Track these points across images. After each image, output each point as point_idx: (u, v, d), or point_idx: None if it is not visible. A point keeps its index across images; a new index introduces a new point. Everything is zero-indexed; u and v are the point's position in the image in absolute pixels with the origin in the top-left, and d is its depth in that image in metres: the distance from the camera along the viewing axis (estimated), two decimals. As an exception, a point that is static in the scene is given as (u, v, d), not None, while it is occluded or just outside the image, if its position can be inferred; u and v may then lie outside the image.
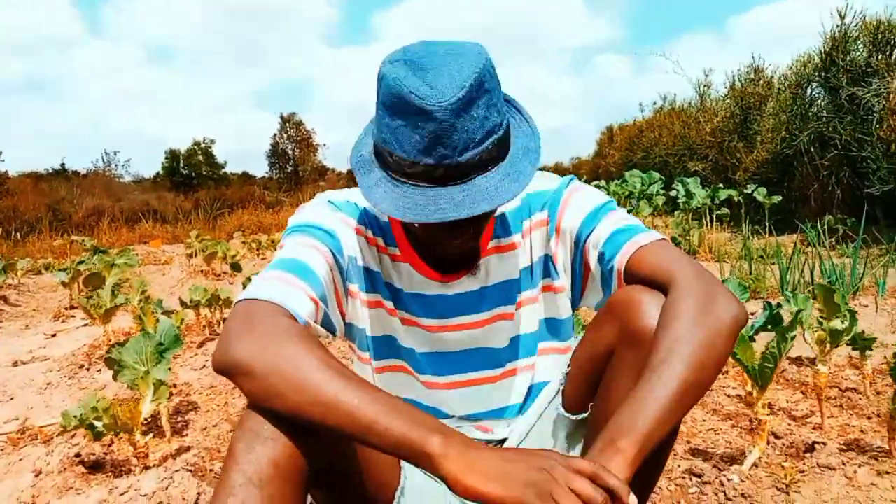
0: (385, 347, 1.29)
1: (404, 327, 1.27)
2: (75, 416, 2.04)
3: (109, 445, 2.39)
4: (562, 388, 1.20)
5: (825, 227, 6.29)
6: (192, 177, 32.05)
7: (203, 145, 33.33)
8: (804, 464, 1.85)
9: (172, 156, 32.76)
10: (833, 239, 6.03)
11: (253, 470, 0.86)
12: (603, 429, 0.91)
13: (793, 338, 1.71)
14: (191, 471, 1.98)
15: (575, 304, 1.29)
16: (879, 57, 6.94)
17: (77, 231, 14.70)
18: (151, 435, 2.27)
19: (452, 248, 1.13)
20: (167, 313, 3.58)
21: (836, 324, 2.06)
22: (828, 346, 2.12)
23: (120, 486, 1.90)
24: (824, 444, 1.93)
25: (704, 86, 12.20)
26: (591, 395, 1.15)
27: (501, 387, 1.29)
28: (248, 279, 4.13)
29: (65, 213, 18.36)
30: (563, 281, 1.25)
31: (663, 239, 1.13)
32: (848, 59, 7.21)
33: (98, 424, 2.06)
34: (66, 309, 6.08)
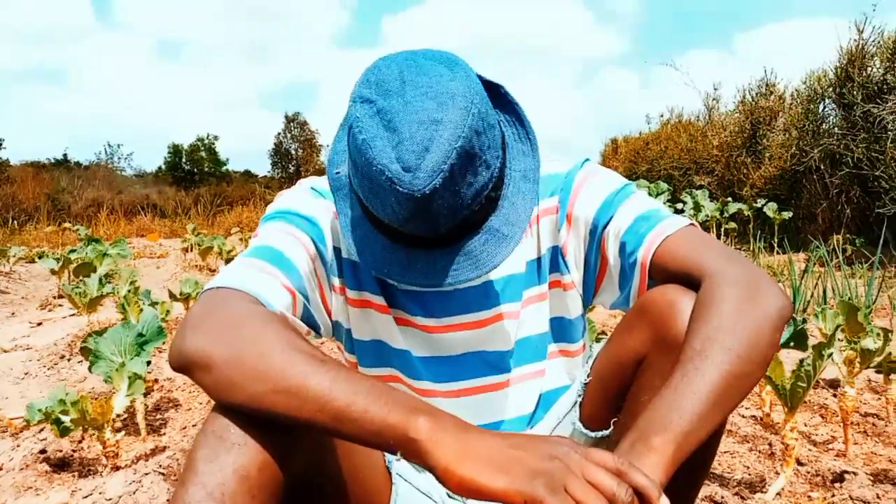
0: (373, 353, 1.13)
1: (399, 328, 1.11)
2: (40, 410, 1.89)
3: (80, 442, 2.23)
4: (580, 400, 1.05)
5: (833, 246, 6.15)
6: (193, 172, 31.95)
7: (207, 142, 33.24)
8: (834, 496, 1.69)
9: (175, 151, 32.67)
10: (840, 259, 5.90)
11: (215, 483, 0.70)
12: (630, 427, 0.76)
13: (829, 356, 1.55)
14: (163, 474, 1.82)
15: (587, 303, 1.14)
16: (896, 74, 6.81)
17: (76, 221, 14.57)
18: (124, 433, 2.11)
19: None
20: (154, 304, 3.42)
21: (869, 343, 1.90)
22: (857, 366, 1.97)
23: (84, 487, 1.74)
24: (855, 473, 1.77)
25: (713, 99, 12.08)
26: (614, 410, 0.99)
27: (507, 395, 1.13)
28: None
29: (64, 204, 18.25)
30: (574, 276, 1.10)
31: (692, 224, 0.98)
32: (864, 74, 7.08)
33: (65, 419, 1.89)
34: (53, 298, 5.93)
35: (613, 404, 0.98)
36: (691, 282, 0.90)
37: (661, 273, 0.95)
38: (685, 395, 0.75)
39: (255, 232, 1.03)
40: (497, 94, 0.99)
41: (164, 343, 3.12)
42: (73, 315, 5.07)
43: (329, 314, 1.09)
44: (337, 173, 0.97)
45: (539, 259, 1.12)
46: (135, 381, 2.03)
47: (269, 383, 0.72)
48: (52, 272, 6.00)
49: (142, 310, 2.87)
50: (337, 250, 1.07)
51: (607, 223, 1.02)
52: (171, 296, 3.92)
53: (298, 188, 1.10)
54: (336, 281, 1.08)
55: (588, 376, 1.04)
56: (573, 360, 1.16)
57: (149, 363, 2.22)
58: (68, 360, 3.54)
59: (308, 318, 1.01)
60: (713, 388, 0.76)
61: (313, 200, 1.06)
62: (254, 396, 0.73)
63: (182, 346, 0.77)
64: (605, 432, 1.01)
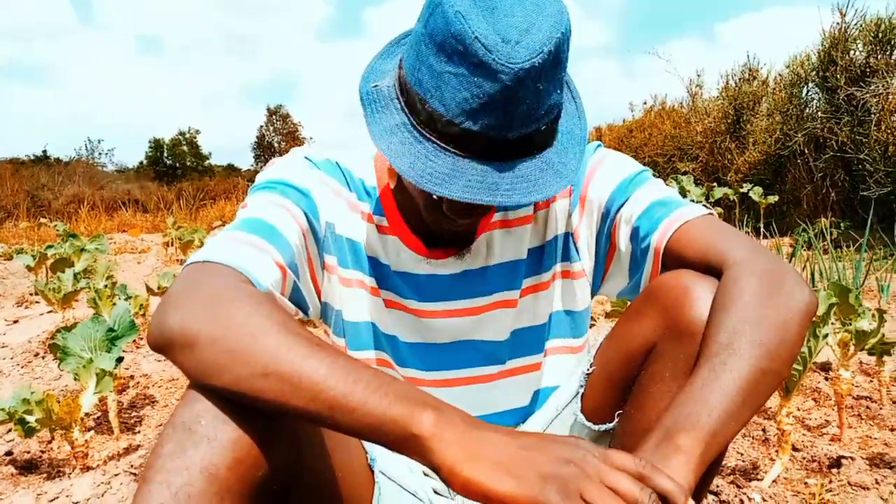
0: (363, 335, 1.06)
1: (388, 310, 1.04)
2: (3, 409, 1.79)
3: (49, 443, 2.14)
4: (581, 390, 0.98)
5: (819, 229, 6.13)
6: (175, 167, 31.62)
7: (188, 136, 32.88)
8: (831, 481, 1.64)
9: (156, 145, 32.30)
10: (828, 242, 5.90)
11: (181, 482, 0.62)
12: (656, 426, 0.70)
13: (825, 336, 1.50)
14: (134, 474, 1.74)
15: (594, 292, 1.08)
16: (879, 57, 6.80)
17: (56, 217, 14.33)
18: (93, 432, 2.02)
19: (448, 225, 0.91)
20: (129, 298, 3.32)
21: (863, 324, 1.85)
22: (851, 348, 1.91)
23: (50, 490, 1.66)
24: (852, 458, 1.72)
25: (696, 86, 12.04)
26: (619, 402, 0.92)
27: (498, 387, 1.07)
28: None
29: (44, 200, 17.96)
30: (585, 263, 1.04)
31: (711, 213, 0.92)
32: (847, 58, 7.06)
33: (30, 419, 1.80)
34: (30, 294, 5.79)
35: (618, 395, 0.92)
36: (710, 270, 0.84)
37: (677, 260, 0.89)
38: (714, 392, 0.69)
39: (244, 202, 0.95)
40: None
41: (139, 337, 3.02)
42: (51, 312, 4.94)
43: (318, 294, 1.02)
44: (375, 86, 0.87)
45: (543, 247, 1.05)
46: (103, 378, 1.94)
47: (258, 366, 0.65)
48: (29, 268, 5.86)
49: (115, 305, 2.77)
50: (330, 226, 1.00)
51: (621, 206, 0.97)
52: (149, 290, 3.82)
53: (292, 157, 1.03)
54: (329, 259, 1.01)
55: (591, 365, 0.97)
56: (577, 357, 1.09)
57: (121, 359, 2.13)
58: (42, 357, 3.44)
59: (297, 298, 0.94)
60: (743, 384, 0.70)
61: (308, 171, 1.00)
62: (240, 380, 0.66)
63: (163, 323, 0.69)
64: (609, 425, 0.95)
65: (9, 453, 1.99)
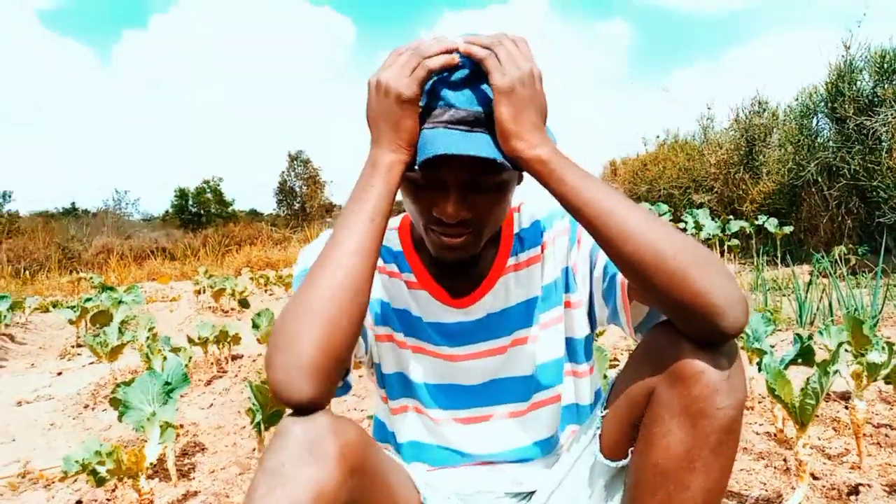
0: (398, 385, 1.23)
1: (417, 357, 1.21)
2: (77, 461, 1.95)
3: (113, 490, 2.29)
4: (598, 432, 1.12)
5: (835, 257, 6.20)
6: (200, 214, 32.19)
7: (212, 183, 33.55)
8: (848, 507, 1.74)
9: (181, 194, 32.96)
10: (844, 270, 5.96)
11: None
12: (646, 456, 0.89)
13: (835, 372, 1.62)
14: (198, 518, 1.88)
15: (592, 321, 1.22)
16: (886, 87, 6.93)
17: (86, 269, 14.69)
18: (157, 479, 2.17)
19: (444, 240, 1.06)
20: (175, 350, 3.50)
21: (874, 357, 1.97)
22: (864, 380, 2.03)
23: (124, 534, 1.81)
24: (869, 485, 1.82)
25: (707, 118, 12.23)
26: (630, 439, 1.06)
27: (525, 422, 1.22)
28: (258, 314, 4.05)
29: (74, 252, 18.38)
30: (581, 295, 1.19)
31: None
32: (854, 89, 7.20)
33: (101, 470, 1.96)
34: (72, 347, 6.00)
35: (629, 433, 1.05)
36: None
37: (637, 295, 1.04)
38: None
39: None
40: None
41: (188, 389, 3.18)
42: (93, 363, 5.14)
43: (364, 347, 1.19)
44: None
45: (555, 281, 1.20)
46: (166, 430, 2.10)
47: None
48: (70, 322, 6.08)
49: (165, 357, 2.95)
50: None
51: (599, 248, 1.11)
52: (190, 341, 4.00)
53: (319, 241, 1.18)
54: (367, 319, 1.17)
55: (604, 409, 1.12)
56: (581, 381, 1.23)
57: (177, 409, 2.29)
58: (92, 409, 3.61)
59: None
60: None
61: None
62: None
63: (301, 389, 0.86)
64: (625, 461, 1.09)
65: (78, 501, 2.15)
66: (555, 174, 0.92)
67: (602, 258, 1.12)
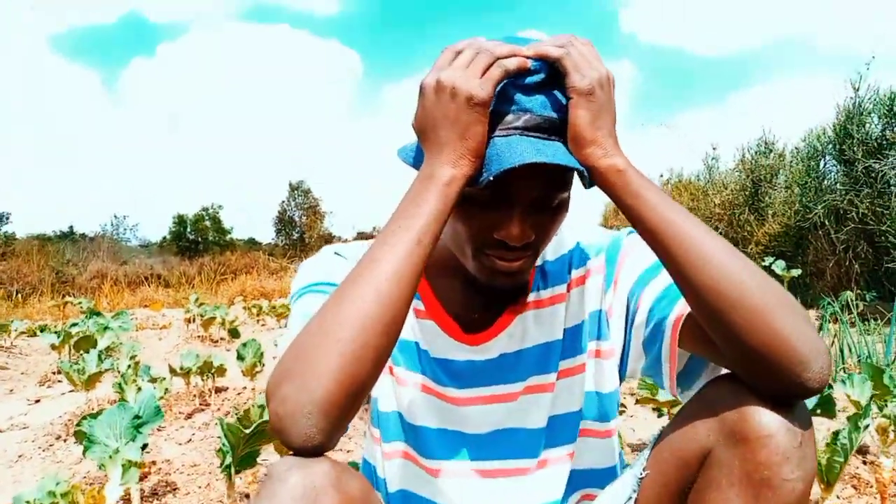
0: (395, 426, 1.07)
1: (417, 395, 1.05)
2: (28, 501, 1.78)
3: (71, 534, 2.10)
4: (634, 496, 0.95)
5: (843, 302, 6.05)
6: (198, 242, 32.15)
7: (211, 211, 33.58)
8: (882, 580, 1.56)
9: (180, 221, 32.96)
10: (855, 315, 5.81)
11: None
12: None
13: (866, 427, 1.46)
14: (157, 570, 1.70)
15: (622, 372, 1.07)
16: (895, 129, 6.86)
17: (80, 293, 14.53)
18: (117, 523, 1.98)
19: (497, 266, 0.93)
20: (154, 380, 3.33)
21: (903, 410, 1.80)
22: (891, 434, 1.86)
23: (71, 588, 1.62)
24: (902, 554, 1.64)
25: (712, 159, 12.18)
26: None
27: (534, 480, 1.05)
28: (244, 345, 3.89)
29: (68, 276, 18.26)
30: (614, 343, 1.04)
31: None
32: (863, 131, 7.13)
33: (54, 512, 1.78)
34: (53, 373, 5.82)
35: (674, 501, 0.89)
36: None
37: (690, 340, 0.90)
38: None
39: (292, 311, 0.98)
40: None
41: (160, 424, 3.01)
42: (73, 391, 4.95)
43: None
44: None
45: (581, 326, 1.05)
46: (129, 469, 1.92)
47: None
48: (53, 347, 5.90)
49: (140, 388, 2.78)
50: None
51: (645, 286, 0.99)
52: (172, 371, 3.83)
53: (321, 256, 1.07)
54: None
55: (644, 470, 0.95)
56: (604, 442, 1.07)
57: (145, 446, 2.12)
58: (64, 440, 3.42)
59: None
60: None
61: (337, 264, 1.02)
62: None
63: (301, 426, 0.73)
64: None
65: (30, 545, 1.96)
66: (631, 187, 0.82)
67: (646, 302, 0.98)
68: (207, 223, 33.16)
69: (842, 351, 4.32)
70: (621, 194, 0.83)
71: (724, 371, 0.89)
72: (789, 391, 0.76)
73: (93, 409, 3.76)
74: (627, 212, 0.83)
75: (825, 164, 8.16)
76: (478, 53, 0.83)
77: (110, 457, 1.94)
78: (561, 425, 1.05)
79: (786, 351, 0.74)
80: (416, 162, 0.94)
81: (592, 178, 0.85)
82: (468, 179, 0.83)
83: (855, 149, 7.16)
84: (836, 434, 1.51)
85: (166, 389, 3.17)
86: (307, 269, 1.03)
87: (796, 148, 9.05)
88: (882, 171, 6.71)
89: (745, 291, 0.75)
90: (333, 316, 0.76)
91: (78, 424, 2.13)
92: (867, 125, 7.24)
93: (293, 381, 0.73)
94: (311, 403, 0.72)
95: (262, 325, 8.57)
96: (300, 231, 32.01)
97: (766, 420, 0.77)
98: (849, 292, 6.59)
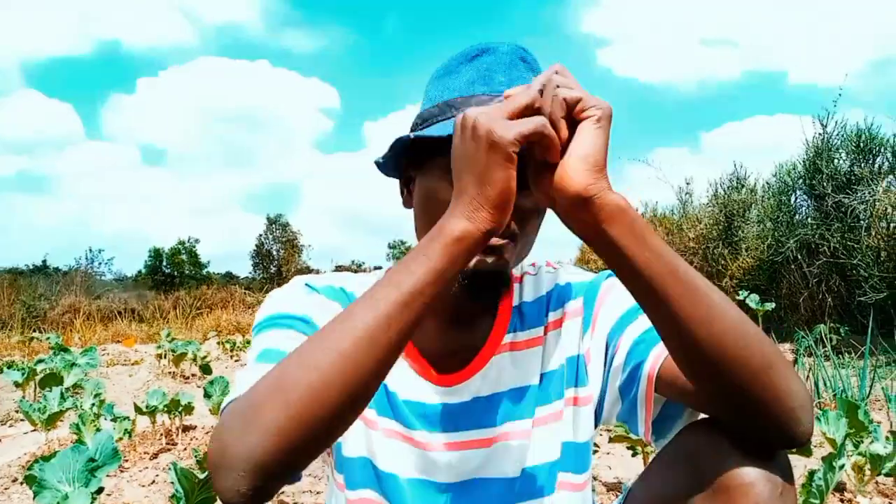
0: (362, 473, 1.00)
1: (388, 442, 0.99)
2: (-31, 554, 1.67)
3: (17, 586, 1.99)
4: None
5: (817, 335, 6.08)
6: (174, 276, 31.74)
7: (188, 245, 33.24)
8: None
9: (156, 254, 32.56)
10: (829, 348, 5.84)
11: None
12: None
13: (841, 467, 1.43)
14: None
15: (597, 419, 1.03)
16: (863, 165, 7.00)
17: (51, 328, 14.21)
18: (67, 575, 1.88)
19: (484, 264, 0.88)
20: (117, 420, 3.21)
21: (878, 448, 1.78)
22: (867, 473, 1.83)
23: None
24: None
25: (686, 193, 12.34)
26: None
27: None
28: (211, 382, 3.78)
29: (39, 310, 17.87)
30: (592, 389, 1.00)
31: None
32: (832, 167, 7.27)
33: (-3, 563, 1.68)
34: (15, 412, 5.62)
35: None
36: None
37: (668, 386, 0.87)
38: None
39: (253, 343, 0.93)
40: None
41: (117, 467, 2.90)
42: (35, 431, 4.78)
43: None
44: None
45: (558, 371, 1.01)
46: (80, 516, 1.83)
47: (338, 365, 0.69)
48: (16, 385, 5.72)
49: (98, 428, 2.67)
50: None
51: (623, 331, 0.96)
52: (138, 409, 3.71)
53: (290, 286, 1.01)
54: None
55: None
56: (576, 496, 1.02)
57: (101, 490, 2.02)
58: (21, 483, 3.28)
59: None
60: None
61: (307, 297, 0.97)
62: (332, 389, 0.69)
63: (247, 455, 0.67)
64: None
65: None
66: (636, 228, 0.71)
67: (624, 345, 0.94)
68: (184, 257, 32.79)
69: (816, 385, 4.32)
70: (620, 235, 0.72)
71: (701, 416, 0.86)
72: (777, 443, 0.74)
73: (52, 451, 3.62)
74: (622, 256, 0.72)
75: (796, 198, 8.31)
76: (514, 100, 0.74)
77: (59, 503, 1.85)
78: (536, 475, 1.00)
79: (783, 407, 0.71)
80: (385, 168, 0.98)
81: (582, 210, 0.73)
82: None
83: (825, 184, 7.29)
84: (811, 474, 1.48)
85: (127, 429, 3.06)
86: (274, 300, 0.98)
87: (767, 183, 9.22)
88: (851, 205, 6.83)
89: (748, 347, 0.71)
90: (290, 373, 0.69)
91: (29, 468, 2.03)
92: (836, 161, 7.39)
93: (234, 432, 0.68)
94: (248, 461, 0.66)
95: (237, 360, 8.41)
96: (278, 264, 31.76)
97: (746, 469, 0.74)
98: (822, 325, 6.63)
